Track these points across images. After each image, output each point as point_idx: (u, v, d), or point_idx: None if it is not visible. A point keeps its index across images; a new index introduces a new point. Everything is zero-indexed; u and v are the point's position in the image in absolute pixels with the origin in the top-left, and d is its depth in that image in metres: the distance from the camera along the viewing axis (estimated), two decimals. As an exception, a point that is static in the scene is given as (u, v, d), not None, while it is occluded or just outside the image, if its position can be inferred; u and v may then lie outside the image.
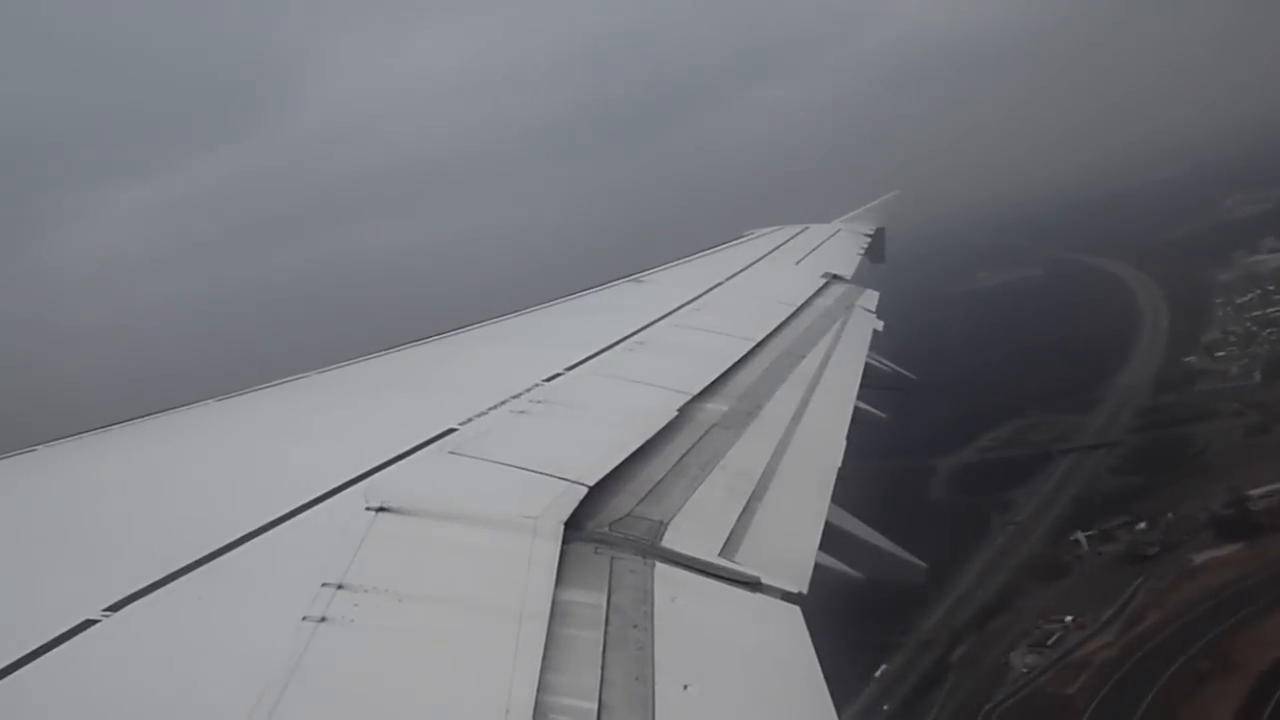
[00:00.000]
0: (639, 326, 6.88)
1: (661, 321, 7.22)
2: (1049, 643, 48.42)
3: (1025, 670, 46.97)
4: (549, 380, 5.25)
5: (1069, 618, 49.89)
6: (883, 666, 49.31)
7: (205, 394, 5.37)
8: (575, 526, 3.33)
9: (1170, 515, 56.69)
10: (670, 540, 3.45)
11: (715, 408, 5.25)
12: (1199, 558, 51.38)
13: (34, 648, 2.28)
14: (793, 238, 13.27)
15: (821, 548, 3.79)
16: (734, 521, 3.78)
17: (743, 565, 3.35)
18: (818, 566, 3.58)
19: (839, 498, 4.48)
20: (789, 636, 2.97)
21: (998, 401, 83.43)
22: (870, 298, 9.87)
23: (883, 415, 7.00)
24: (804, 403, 5.70)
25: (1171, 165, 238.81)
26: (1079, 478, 68.68)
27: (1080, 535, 58.27)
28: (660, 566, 3.22)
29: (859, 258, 12.51)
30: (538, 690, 2.32)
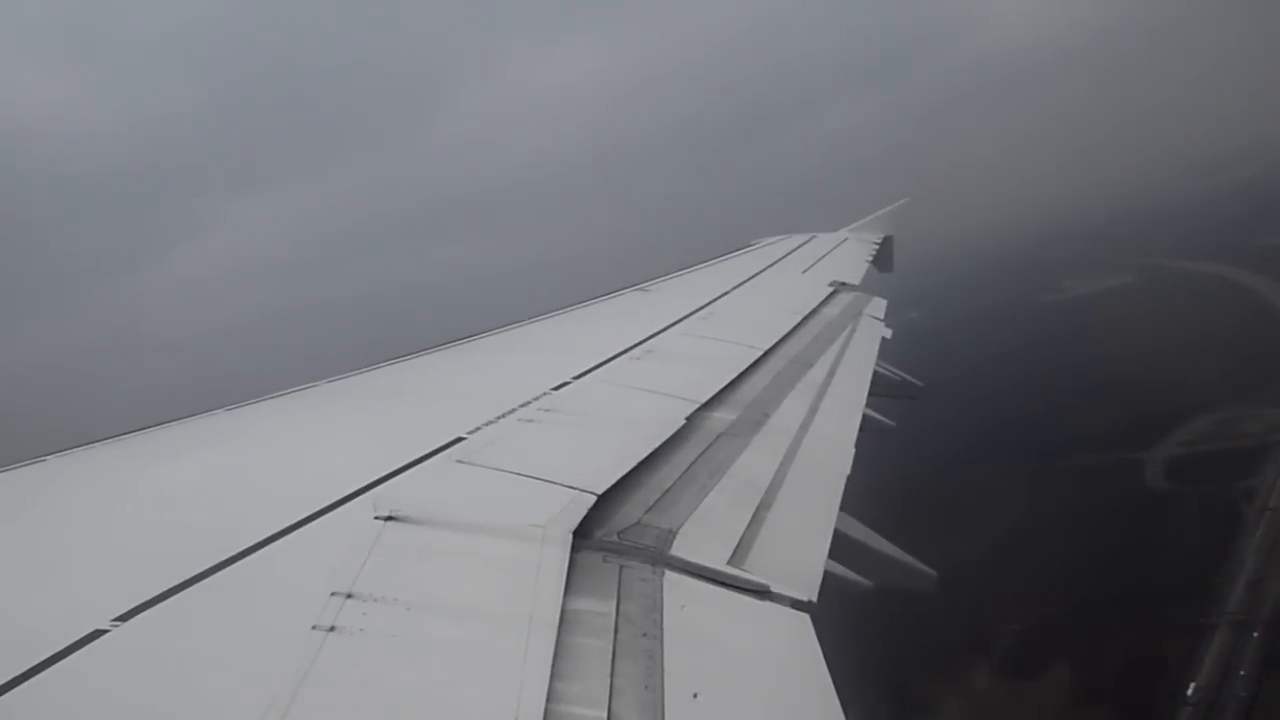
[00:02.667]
0: (647, 335, 6.88)
1: (669, 330, 7.22)
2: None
3: (1389, 648, 46.21)
4: (557, 389, 5.25)
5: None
6: (1192, 684, 48.74)
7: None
8: (584, 535, 3.33)
9: None
10: (679, 548, 3.44)
11: (723, 416, 5.24)
12: None
13: (43, 658, 2.29)
14: (800, 246, 13.27)
15: (831, 555, 3.78)
16: (743, 530, 3.77)
17: (752, 573, 3.33)
18: (827, 574, 3.57)
19: (849, 506, 4.46)
20: (798, 644, 2.96)
21: (1171, 398, 79.87)
22: (878, 305, 9.83)
23: (891, 423, 6.98)
24: (812, 410, 5.68)
25: (1214, 177, 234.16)
26: (1316, 465, 66.31)
27: (1367, 517, 57.11)
28: (669, 575, 3.21)
29: (867, 265, 12.51)
30: (547, 699, 2.31)
